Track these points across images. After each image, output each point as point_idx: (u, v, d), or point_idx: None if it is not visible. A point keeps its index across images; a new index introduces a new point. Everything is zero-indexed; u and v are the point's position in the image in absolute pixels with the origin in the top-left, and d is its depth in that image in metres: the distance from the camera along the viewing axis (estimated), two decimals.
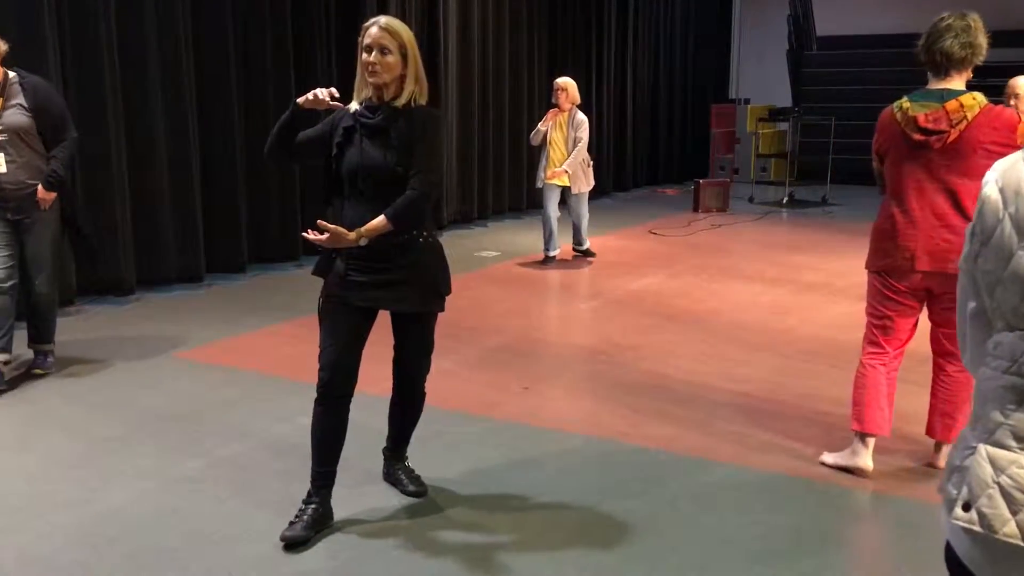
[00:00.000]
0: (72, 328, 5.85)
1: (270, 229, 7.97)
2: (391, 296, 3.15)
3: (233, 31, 7.43)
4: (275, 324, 5.99)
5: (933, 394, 3.77)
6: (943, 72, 3.47)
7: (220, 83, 7.37)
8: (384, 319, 3.24)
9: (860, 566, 3.02)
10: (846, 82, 15.06)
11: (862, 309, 3.83)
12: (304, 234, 3.09)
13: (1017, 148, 3.38)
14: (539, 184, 8.15)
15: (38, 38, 5.95)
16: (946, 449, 3.75)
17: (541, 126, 8.01)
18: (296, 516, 3.15)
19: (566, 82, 8.01)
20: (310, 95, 3.08)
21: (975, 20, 3.45)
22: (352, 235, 3.01)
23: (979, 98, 3.40)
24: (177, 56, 6.94)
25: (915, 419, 4.28)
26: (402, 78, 3.08)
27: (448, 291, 3.28)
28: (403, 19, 9.13)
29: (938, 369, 3.74)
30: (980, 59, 3.46)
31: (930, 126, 3.42)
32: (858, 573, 2.98)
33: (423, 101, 3.14)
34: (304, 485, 3.24)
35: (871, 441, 3.70)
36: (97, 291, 6.60)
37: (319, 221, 3.02)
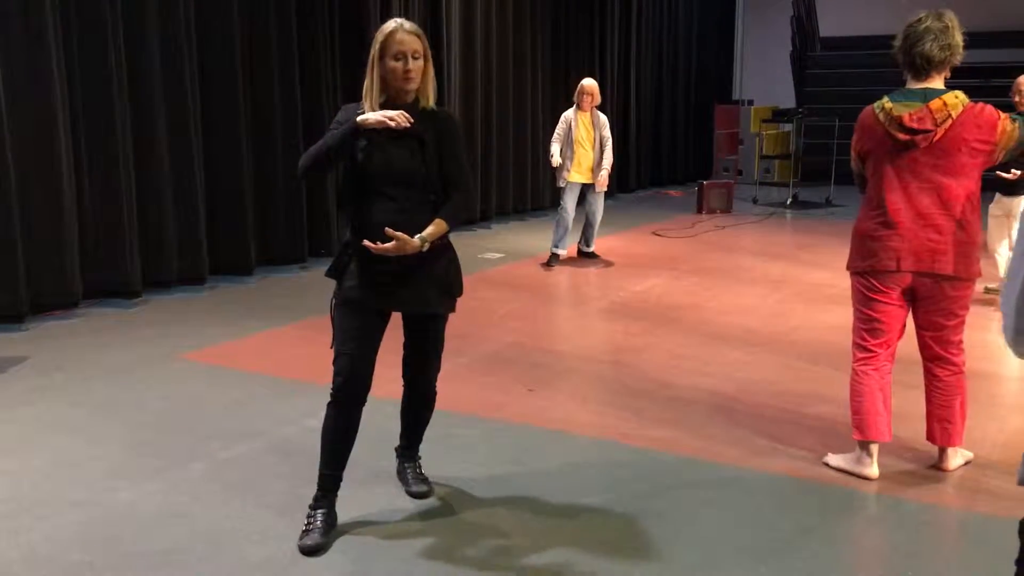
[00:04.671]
0: (76, 330, 5.87)
1: (277, 231, 7.98)
2: (411, 297, 3.15)
3: (238, 31, 7.44)
4: (280, 326, 6.00)
5: (928, 400, 3.74)
6: (923, 74, 3.48)
7: (224, 84, 7.38)
8: (395, 320, 3.24)
9: (864, 568, 3.02)
10: (850, 83, 15.05)
11: None
12: (366, 243, 2.99)
13: (997, 145, 3.42)
14: (561, 184, 8.17)
15: (41, 40, 5.97)
16: (951, 452, 3.74)
17: (561, 134, 8.07)
18: (308, 523, 3.15)
19: (593, 85, 8.20)
20: (382, 119, 2.93)
21: (951, 20, 3.46)
22: (416, 241, 3.00)
23: (961, 97, 3.41)
24: (181, 57, 6.96)
25: (913, 419, 4.27)
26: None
27: (460, 292, 3.29)
28: (406, 18, 9.23)
29: (930, 375, 3.71)
30: (958, 59, 3.46)
31: (915, 125, 3.42)
32: (862, 575, 2.98)
33: (434, 101, 3.17)
34: (309, 488, 3.25)
35: (875, 448, 3.68)
36: (105, 294, 6.61)
37: (387, 229, 2.96)
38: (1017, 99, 6.17)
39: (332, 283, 3.24)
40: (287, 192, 7.98)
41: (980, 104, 3.45)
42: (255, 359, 5.28)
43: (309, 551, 3.07)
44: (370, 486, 3.57)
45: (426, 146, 3.07)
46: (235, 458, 3.86)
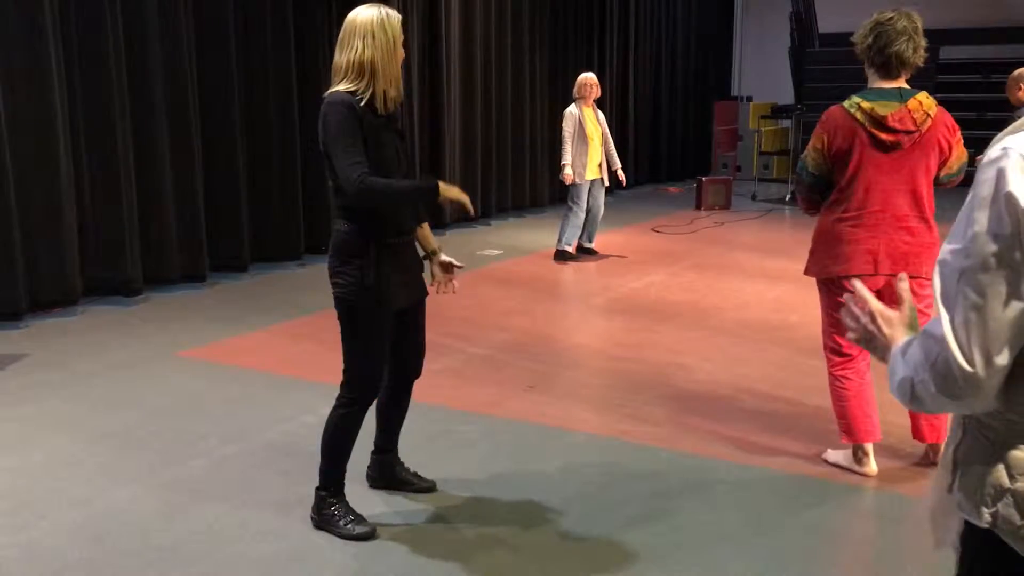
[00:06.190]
0: (76, 327, 5.87)
1: (272, 228, 7.97)
2: (419, 287, 3.27)
3: (235, 30, 7.44)
4: (277, 323, 6.00)
5: None
6: (895, 74, 3.47)
7: (222, 82, 7.37)
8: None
9: (863, 562, 3.02)
10: (848, 79, 14.98)
11: None
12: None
13: (952, 151, 3.48)
14: (579, 180, 8.09)
15: (41, 41, 5.96)
16: (945, 445, 3.73)
17: (572, 132, 7.99)
18: (342, 517, 3.15)
19: (596, 78, 8.23)
20: (458, 198, 3.08)
21: (919, 20, 3.46)
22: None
23: (930, 97, 3.45)
24: (179, 56, 6.95)
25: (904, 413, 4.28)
26: None
27: None
28: (405, 17, 9.19)
29: None
30: (922, 61, 3.46)
31: (897, 126, 3.41)
32: (862, 570, 2.98)
33: None
34: (307, 485, 3.25)
35: (869, 446, 3.68)
36: (104, 292, 6.60)
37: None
38: (1007, 94, 6.14)
39: (325, 279, 3.16)
40: (284, 189, 7.98)
41: (940, 107, 3.51)
42: (254, 356, 5.28)
43: (370, 535, 3.12)
44: (365, 485, 3.56)
45: (405, 139, 3.23)
46: (234, 455, 3.86)
